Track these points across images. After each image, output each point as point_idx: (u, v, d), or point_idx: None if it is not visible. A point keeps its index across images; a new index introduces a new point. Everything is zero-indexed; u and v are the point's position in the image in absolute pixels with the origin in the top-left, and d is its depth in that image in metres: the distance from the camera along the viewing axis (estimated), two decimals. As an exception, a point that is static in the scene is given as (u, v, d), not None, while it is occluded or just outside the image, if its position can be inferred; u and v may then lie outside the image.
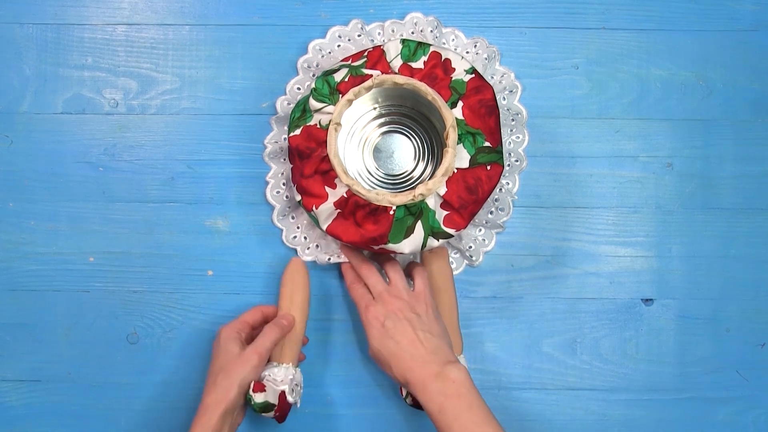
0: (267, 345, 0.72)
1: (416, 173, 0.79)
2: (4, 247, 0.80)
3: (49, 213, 0.80)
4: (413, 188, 0.71)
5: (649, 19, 0.82)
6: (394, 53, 0.74)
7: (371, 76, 0.73)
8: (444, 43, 0.80)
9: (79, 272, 0.80)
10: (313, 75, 0.80)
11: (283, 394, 0.72)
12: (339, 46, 0.79)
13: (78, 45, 0.81)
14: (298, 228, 0.79)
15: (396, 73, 0.73)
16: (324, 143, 0.72)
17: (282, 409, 0.73)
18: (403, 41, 0.74)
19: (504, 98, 0.80)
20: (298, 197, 0.73)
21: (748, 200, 0.82)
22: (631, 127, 0.82)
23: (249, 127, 0.81)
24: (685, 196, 0.82)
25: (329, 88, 0.73)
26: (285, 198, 0.79)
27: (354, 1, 0.81)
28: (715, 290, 0.81)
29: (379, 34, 0.80)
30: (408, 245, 0.71)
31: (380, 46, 0.74)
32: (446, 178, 0.71)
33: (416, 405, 0.75)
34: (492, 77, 0.81)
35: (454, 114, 0.72)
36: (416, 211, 0.71)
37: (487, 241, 0.80)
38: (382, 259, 0.76)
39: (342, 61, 0.75)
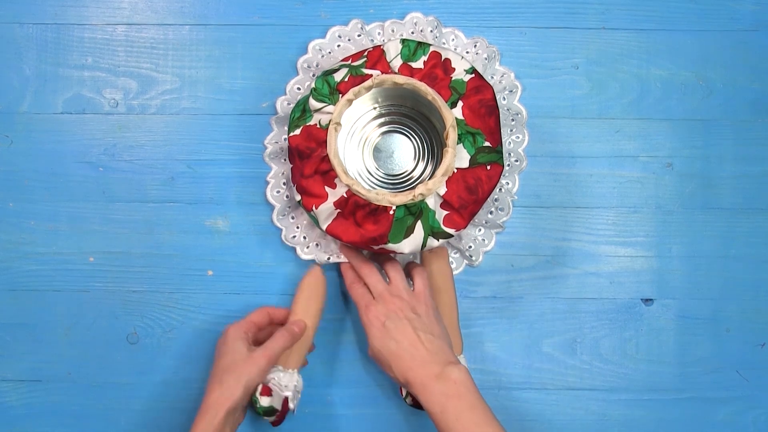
0: (277, 350, 0.71)
1: (416, 173, 0.79)
2: (4, 247, 0.80)
3: (49, 213, 0.80)
4: (413, 188, 0.71)
5: (649, 19, 0.82)
6: (394, 53, 0.74)
7: (371, 76, 0.73)
8: (444, 43, 0.80)
9: (79, 272, 0.80)
10: (313, 75, 0.80)
11: (286, 400, 0.73)
12: (339, 46, 0.79)
13: (78, 45, 0.81)
14: (297, 228, 0.79)
15: (396, 73, 0.73)
16: (324, 143, 0.72)
17: (283, 414, 0.73)
18: (403, 41, 0.74)
19: (504, 98, 0.80)
20: (298, 197, 0.73)
21: (748, 200, 0.82)
22: (631, 127, 0.82)
23: (249, 127, 0.81)
24: (685, 196, 0.82)
25: (329, 88, 0.73)
26: (285, 198, 0.79)
27: (354, 1, 0.81)
28: (715, 290, 0.81)
29: (379, 34, 0.80)
30: (408, 245, 0.71)
31: (380, 46, 0.74)
32: (446, 178, 0.71)
33: (416, 405, 0.75)
34: (492, 77, 0.81)
35: (454, 114, 0.72)
36: (416, 211, 0.71)
37: (486, 241, 0.80)
38: (382, 259, 0.76)
39: (342, 61, 0.75)
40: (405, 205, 0.71)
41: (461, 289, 0.80)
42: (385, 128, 0.79)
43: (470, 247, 0.79)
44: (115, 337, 0.80)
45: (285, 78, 0.80)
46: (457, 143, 0.71)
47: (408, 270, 0.76)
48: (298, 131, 0.73)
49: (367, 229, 0.71)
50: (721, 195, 0.82)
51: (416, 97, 0.74)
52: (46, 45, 0.81)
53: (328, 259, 0.78)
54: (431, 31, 0.79)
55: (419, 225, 0.71)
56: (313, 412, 0.80)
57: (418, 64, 0.74)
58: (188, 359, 0.80)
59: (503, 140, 0.78)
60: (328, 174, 0.72)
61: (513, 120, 0.80)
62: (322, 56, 0.79)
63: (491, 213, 0.79)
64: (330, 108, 0.73)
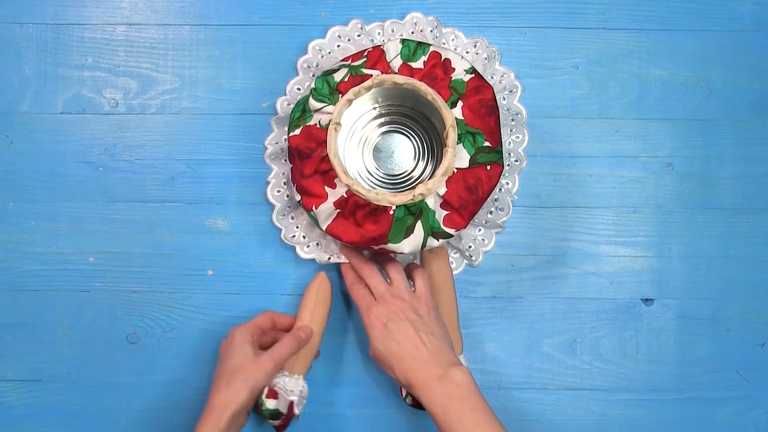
0: (283, 355, 0.71)
1: (416, 173, 0.79)
2: (4, 247, 0.80)
3: (49, 213, 0.80)
4: (413, 188, 0.71)
5: (649, 19, 0.82)
6: (393, 53, 0.74)
7: (371, 75, 0.73)
8: (444, 43, 0.80)
9: (79, 272, 0.80)
10: (313, 75, 0.80)
11: (291, 404, 0.73)
12: (339, 46, 0.79)
13: (78, 45, 0.81)
14: (297, 227, 0.79)
15: (396, 73, 0.73)
16: (324, 143, 0.72)
17: (288, 419, 0.73)
18: (403, 41, 0.74)
19: (504, 98, 0.80)
20: (298, 197, 0.73)
21: (748, 200, 0.82)
22: (631, 127, 0.82)
23: (249, 127, 0.81)
24: (685, 196, 0.82)
25: (329, 88, 0.73)
26: (286, 197, 0.79)
27: (354, 1, 0.81)
28: (715, 290, 0.81)
29: (378, 34, 0.80)
30: (408, 245, 0.71)
31: (380, 45, 0.74)
32: (446, 178, 0.71)
33: (416, 405, 0.75)
34: (492, 77, 0.81)
35: (453, 114, 0.72)
36: (416, 210, 0.71)
37: (486, 241, 0.80)
38: (382, 259, 0.76)
39: (342, 61, 0.75)
40: (405, 205, 0.71)
41: (461, 289, 0.80)
42: (385, 128, 0.79)
43: (470, 247, 0.79)
44: (115, 337, 0.80)
45: (285, 78, 0.80)
46: (457, 143, 0.71)
47: (408, 271, 0.76)
48: (298, 131, 0.73)
49: (367, 229, 0.71)
50: (721, 195, 0.82)
51: (416, 97, 0.74)
52: (46, 45, 0.81)
53: (329, 259, 0.78)
54: (431, 31, 0.79)
55: (419, 225, 0.71)
56: (313, 412, 0.80)
57: (418, 64, 0.74)
58: (188, 359, 0.80)
59: (503, 140, 0.78)
60: (328, 174, 0.72)
61: (513, 120, 0.80)
62: (322, 56, 0.79)
63: (491, 213, 0.79)
64: (330, 108, 0.73)
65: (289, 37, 0.81)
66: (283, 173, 0.79)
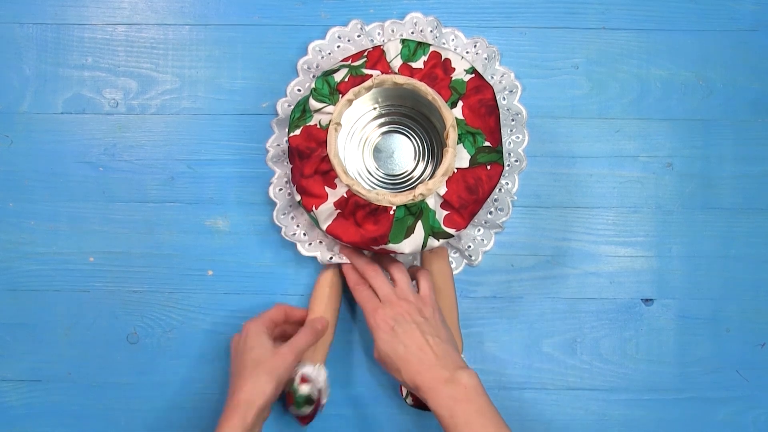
0: (302, 346, 0.71)
1: (416, 173, 0.79)
2: (4, 247, 0.80)
3: (49, 213, 0.80)
4: (413, 188, 0.71)
5: (649, 19, 0.82)
6: (393, 53, 0.74)
7: (371, 76, 0.73)
8: (444, 43, 0.80)
9: (79, 272, 0.80)
10: (313, 76, 0.80)
11: (320, 393, 0.73)
12: (339, 47, 0.79)
13: (78, 45, 0.81)
14: (297, 226, 0.79)
15: (396, 73, 0.73)
16: (324, 143, 0.72)
17: (316, 409, 0.73)
18: (403, 41, 0.74)
19: (504, 98, 0.80)
20: (298, 197, 0.73)
21: (748, 200, 0.82)
22: (631, 127, 0.82)
23: (249, 127, 0.81)
24: (685, 196, 0.82)
25: (329, 88, 0.73)
26: (287, 196, 0.79)
27: (354, 1, 0.81)
28: (715, 290, 0.81)
29: (378, 34, 0.80)
30: (408, 245, 0.71)
31: (380, 46, 0.74)
32: (446, 178, 0.71)
33: (416, 405, 0.75)
34: (492, 77, 0.81)
35: (454, 114, 0.72)
36: (416, 211, 0.71)
37: (485, 241, 0.80)
38: (385, 260, 0.76)
39: (342, 61, 0.75)
40: (405, 205, 0.71)
41: (461, 289, 0.80)
42: (385, 128, 0.79)
43: (469, 246, 0.79)
44: (115, 337, 0.80)
45: (285, 78, 0.80)
46: (457, 143, 0.71)
47: (411, 273, 0.76)
48: (298, 131, 0.73)
49: (368, 230, 0.71)
50: (721, 195, 0.82)
51: (416, 97, 0.74)
52: (46, 45, 0.81)
53: (331, 259, 0.77)
54: (431, 31, 0.79)
55: (419, 225, 0.71)
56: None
57: (418, 64, 0.74)
58: (188, 359, 0.80)
59: (503, 140, 0.78)
60: (328, 174, 0.72)
61: (513, 120, 0.80)
62: (322, 57, 0.79)
63: (490, 213, 0.79)
64: (330, 108, 0.73)
65: (289, 37, 0.81)
66: (286, 174, 0.79)
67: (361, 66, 0.73)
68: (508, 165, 0.80)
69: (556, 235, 0.81)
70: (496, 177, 0.72)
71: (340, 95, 0.73)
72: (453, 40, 0.81)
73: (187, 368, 0.80)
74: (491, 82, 0.79)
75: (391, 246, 0.71)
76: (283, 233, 0.79)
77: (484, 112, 0.72)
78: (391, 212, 0.71)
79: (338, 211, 0.72)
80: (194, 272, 0.80)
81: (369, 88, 0.73)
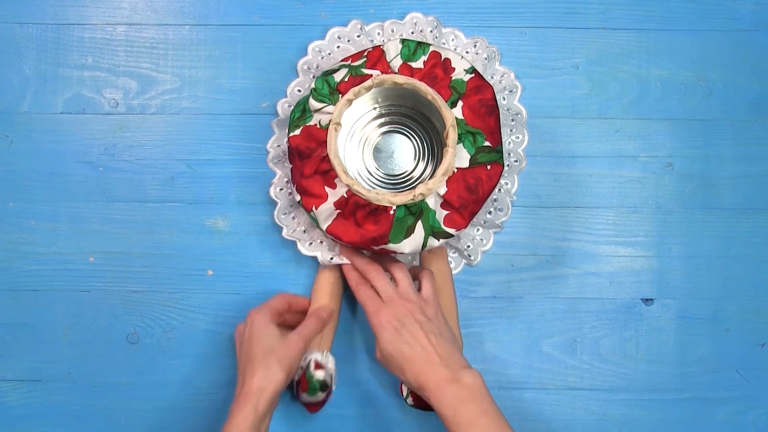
0: (310, 334, 0.72)
1: (416, 173, 0.79)
2: (4, 247, 0.80)
3: (49, 213, 0.80)
4: (413, 188, 0.71)
5: (649, 19, 0.82)
6: (393, 53, 0.74)
7: (371, 75, 0.73)
8: (444, 43, 0.80)
9: (79, 272, 0.80)
10: (313, 77, 0.80)
11: (330, 379, 0.73)
12: (338, 47, 0.79)
13: (78, 45, 0.81)
14: (299, 225, 0.79)
15: (396, 73, 0.73)
16: (324, 143, 0.72)
17: (326, 398, 0.74)
18: (403, 41, 0.74)
19: (504, 98, 0.80)
20: (298, 197, 0.73)
21: (748, 200, 0.82)
22: (631, 127, 0.82)
23: (249, 127, 0.81)
24: (685, 196, 0.82)
25: (329, 88, 0.73)
26: (288, 195, 0.79)
27: (354, 2, 0.81)
28: (715, 290, 0.81)
29: (378, 34, 0.80)
30: (408, 245, 0.71)
31: (380, 46, 0.74)
32: (446, 178, 0.71)
33: (417, 405, 0.75)
34: (492, 77, 0.81)
35: (454, 113, 0.72)
36: (416, 210, 0.71)
37: (485, 241, 0.80)
38: (386, 260, 0.76)
39: (342, 61, 0.75)
40: (405, 205, 0.71)
41: (461, 289, 0.80)
42: (385, 128, 0.79)
43: (469, 246, 0.79)
44: (115, 337, 0.80)
45: (285, 78, 0.80)
46: (457, 143, 0.71)
47: (413, 273, 0.76)
48: (298, 131, 0.73)
49: (368, 230, 0.71)
50: (721, 195, 0.82)
51: (416, 97, 0.74)
52: (46, 45, 0.81)
53: (331, 258, 0.77)
54: (431, 31, 0.79)
55: (420, 225, 0.71)
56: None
57: (418, 64, 0.74)
58: (188, 359, 0.80)
59: (503, 140, 0.78)
60: (328, 174, 0.72)
61: (513, 120, 0.80)
62: (322, 58, 0.79)
63: (490, 213, 0.79)
64: (330, 108, 0.73)
65: (289, 37, 0.81)
66: (286, 175, 0.79)
67: (361, 66, 0.73)
68: (508, 165, 0.80)
69: (556, 235, 0.81)
70: (496, 177, 0.72)
71: (340, 95, 0.73)
72: (453, 40, 0.81)
73: (187, 368, 0.80)
74: (491, 82, 0.79)
75: (391, 246, 0.71)
76: (284, 233, 0.79)
77: (484, 111, 0.72)
78: (391, 212, 0.71)
79: (338, 211, 0.72)
80: (194, 272, 0.80)
81: (369, 88, 0.73)
